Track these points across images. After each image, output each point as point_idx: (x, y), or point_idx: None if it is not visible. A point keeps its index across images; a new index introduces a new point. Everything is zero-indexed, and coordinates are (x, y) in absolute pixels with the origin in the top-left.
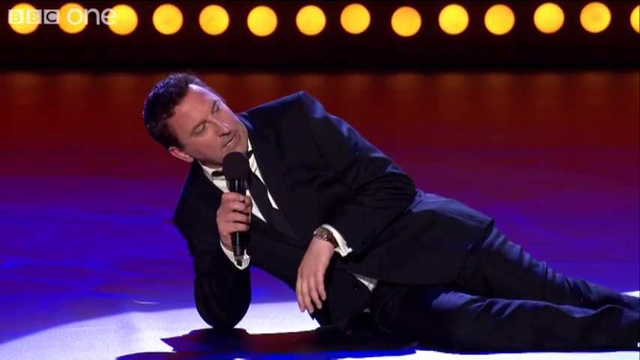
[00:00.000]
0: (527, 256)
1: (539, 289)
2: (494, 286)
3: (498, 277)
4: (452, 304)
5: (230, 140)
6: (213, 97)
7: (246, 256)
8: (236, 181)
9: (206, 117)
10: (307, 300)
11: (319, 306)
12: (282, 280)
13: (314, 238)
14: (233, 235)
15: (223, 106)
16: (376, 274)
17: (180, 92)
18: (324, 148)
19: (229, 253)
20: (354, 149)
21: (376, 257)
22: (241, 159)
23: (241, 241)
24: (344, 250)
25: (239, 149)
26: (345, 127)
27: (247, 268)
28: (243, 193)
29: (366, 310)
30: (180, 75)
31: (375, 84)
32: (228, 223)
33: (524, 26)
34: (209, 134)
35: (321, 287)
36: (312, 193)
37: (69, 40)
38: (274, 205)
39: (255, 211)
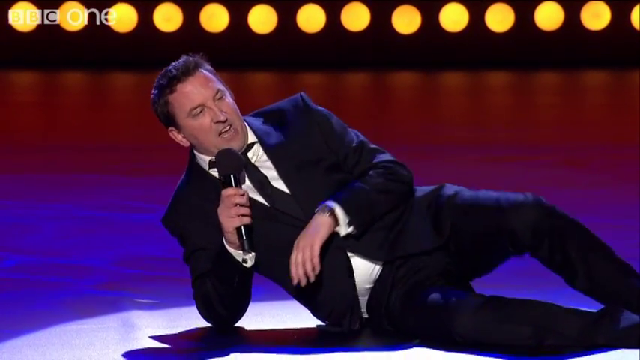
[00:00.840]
0: (484, 191)
1: (496, 202)
2: (460, 225)
3: (458, 212)
4: (452, 298)
5: (226, 131)
6: (219, 86)
7: (251, 253)
8: (231, 176)
9: (205, 101)
10: (300, 271)
11: (312, 279)
12: (283, 282)
13: (316, 214)
14: (239, 229)
15: (228, 98)
16: (381, 255)
17: (186, 72)
18: (328, 134)
19: (235, 252)
20: (356, 138)
21: (377, 240)
22: (233, 154)
23: (247, 234)
24: (344, 229)
25: (234, 144)
26: (344, 124)
27: (252, 267)
28: (240, 187)
29: (365, 315)
30: (193, 57)
31: (375, 82)
32: (233, 218)
33: (525, 24)
34: (205, 119)
35: (316, 259)
36: (319, 174)
37: (69, 38)
38: (285, 190)
39: (257, 197)
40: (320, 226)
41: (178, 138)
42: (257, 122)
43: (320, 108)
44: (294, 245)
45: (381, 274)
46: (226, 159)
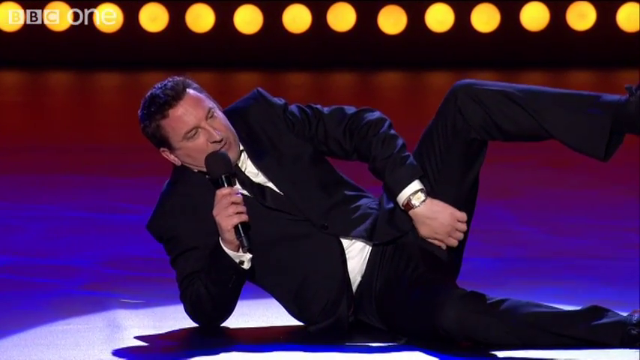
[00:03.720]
0: None
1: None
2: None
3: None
4: (436, 293)
5: (221, 148)
6: (209, 104)
7: (249, 255)
8: (223, 177)
9: (199, 123)
10: (459, 235)
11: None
12: (267, 280)
13: (413, 210)
14: (236, 228)
15: (218, 114)
16: (378, 237)
17: (176, 95)
18: (292, 125)
19: (232, 253)
20: (311, 112)
21: (369, 223)
22: (221, 155)
23: (245, 231)
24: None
25: (231, 157)
26: (299, 104)
27: (249, 268)
28: (233, 186)
29: (351, 319)
30: (178, 78)
31: (361, 82)
32: (231, 216)
33: (510, 25)
34: (201, 140)
35: (465, 225)
36: (304, 168)
37: (54, 38)
38: (277, 191)
39: (251, 199)
40: (435, 204)
41: (171, 157)
42: None
43: (277, 101)
44: (429, 236)
45: (368, 262)
46: (216, 162)
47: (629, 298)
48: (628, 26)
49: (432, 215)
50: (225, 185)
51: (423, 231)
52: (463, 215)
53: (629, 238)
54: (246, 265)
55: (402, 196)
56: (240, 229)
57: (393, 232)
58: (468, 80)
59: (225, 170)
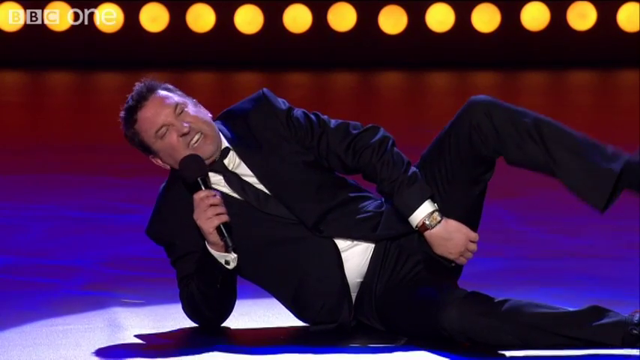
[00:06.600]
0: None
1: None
2: (428, 163)
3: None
4: (438, 292)
5: (193, 139)
6: (178, 100)
7: (233, 255)
8: (199, 180)
9: (167, 120)
10: (470, 255)
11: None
12: (269, 284)
13: (429, 231)
14: (219, 229)
15: (190, 108)
16: (375, 236)
17: (141, 98)
18: (297, 130)
19: (217, 254)
20: (317, 122)
21: (369, 223)
22: (195, 158)
23: (228, 231)
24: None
25: (207, 148)
26: (305, 111)
27: (235, 268)
28: (210, 189)
29: (353, 323)
30: (144, 82)
31: (361, 82)
32: (211, 219)
33: (511, 25)
34: (172, 136)
35: (476, 246)
36: (298, 173)
37: (55, 39)
38: (267, 192)
39: (241, 200)
40: (450, 224)
41: (160, 163)
42: (226, 128)
43: (283, 106)
44: (445, 254)
45: (370, 264)
46: (190, 164)
47: (629, 298)
48: (628, 26)
49: (448, 236)
50: (203, 188)
51: (437, 250)
52: (476, 236)
53: (629, 238)
54: (232, 265)
55: (415, 218)
56: (223, 229)
57: (396, 230)
58: (485, 97)
59: (200, 172)
